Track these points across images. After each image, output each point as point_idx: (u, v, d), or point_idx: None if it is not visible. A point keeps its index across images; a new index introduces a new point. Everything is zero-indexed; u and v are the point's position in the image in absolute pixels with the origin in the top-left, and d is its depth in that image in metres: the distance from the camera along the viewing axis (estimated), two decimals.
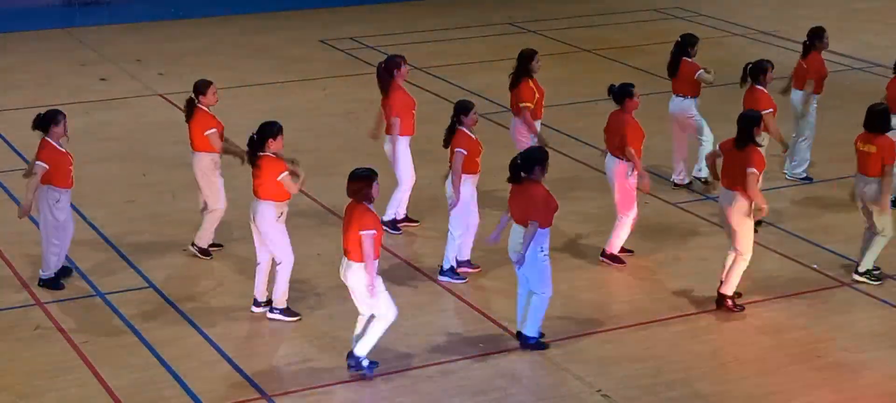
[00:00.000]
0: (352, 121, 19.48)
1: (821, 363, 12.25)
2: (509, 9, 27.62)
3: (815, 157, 17.14)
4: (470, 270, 14.14)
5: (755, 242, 14.18)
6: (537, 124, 15.49)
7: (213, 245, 14.66)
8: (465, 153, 13.66)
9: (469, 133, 13.79)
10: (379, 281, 11.65)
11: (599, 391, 11.74)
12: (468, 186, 13.84)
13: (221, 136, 14.32)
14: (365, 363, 11.86)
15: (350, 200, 11.66)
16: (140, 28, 26.32)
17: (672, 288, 13.84)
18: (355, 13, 27.46)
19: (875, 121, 13.68)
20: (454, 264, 14.04)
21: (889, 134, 13.77)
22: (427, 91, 20.19)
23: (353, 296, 11.78)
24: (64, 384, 11.85)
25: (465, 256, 14.16)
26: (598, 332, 12.86)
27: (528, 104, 15.35)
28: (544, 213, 12.08)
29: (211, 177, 14.35)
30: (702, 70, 16.21)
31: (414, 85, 19.74)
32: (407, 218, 15.45)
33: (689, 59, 16.33)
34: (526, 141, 15.23)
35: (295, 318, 13.08)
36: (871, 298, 13.59)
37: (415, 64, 21.99)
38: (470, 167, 13.77)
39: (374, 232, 11.51)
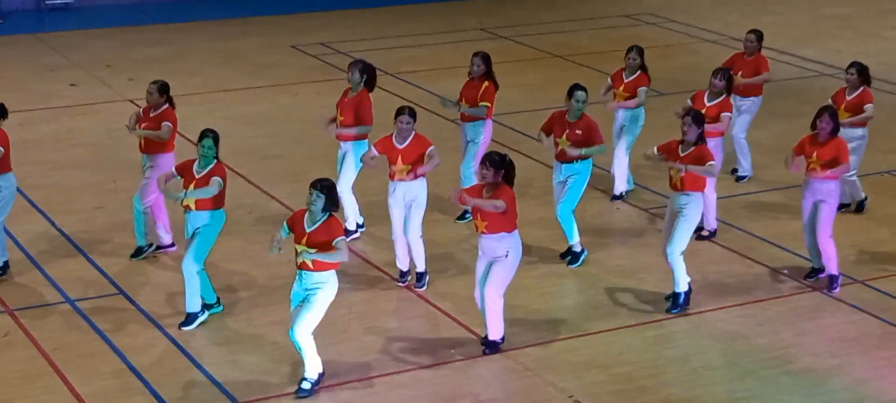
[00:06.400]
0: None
1: (792, 368, 12.28)
2: (480, 15, 27.63)
3: (778, 162, 17.33)
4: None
5: (725, 247, 14.22)
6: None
7: None
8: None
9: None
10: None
11: (571, 396, 11.73)
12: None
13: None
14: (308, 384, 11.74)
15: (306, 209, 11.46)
16: (110, 33, 26.21)
17: (643, 293, 13.85)
18: (326, 19, 27.43)
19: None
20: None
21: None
22: (398, 96, 20.15)
23: (303, 306, 11.55)
24: (33, 391, 11.77)
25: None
26: (570, 338, 12.86)
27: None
28: (514, 215, 12.12)
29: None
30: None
31: (385, 90, 19.72)
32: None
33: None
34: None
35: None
36: (842, 303, 13.62)
37: (386, 69, 22.01)
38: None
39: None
